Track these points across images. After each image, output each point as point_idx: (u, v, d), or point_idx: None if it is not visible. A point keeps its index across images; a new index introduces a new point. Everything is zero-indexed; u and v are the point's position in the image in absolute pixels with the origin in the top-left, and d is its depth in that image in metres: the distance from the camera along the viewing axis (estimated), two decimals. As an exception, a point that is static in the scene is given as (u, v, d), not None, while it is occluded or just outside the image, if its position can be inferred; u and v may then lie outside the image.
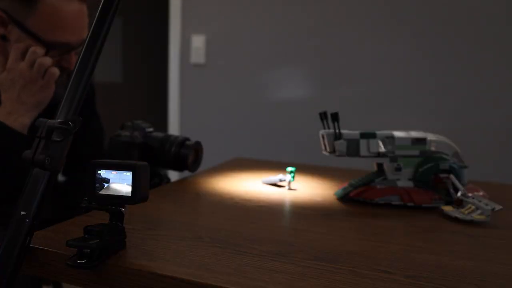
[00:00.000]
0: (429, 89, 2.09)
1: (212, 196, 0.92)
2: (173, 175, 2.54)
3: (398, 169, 0.89)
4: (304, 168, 1.23)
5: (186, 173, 1.08)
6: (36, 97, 0.93)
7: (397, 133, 0.90)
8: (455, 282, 0.54)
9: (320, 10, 2.22)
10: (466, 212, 0.79)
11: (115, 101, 3.47)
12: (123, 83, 3.82)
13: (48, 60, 0.93)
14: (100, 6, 0.61)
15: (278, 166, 1.26)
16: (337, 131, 0.87)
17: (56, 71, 0.93)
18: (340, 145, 0.87)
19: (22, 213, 0.54)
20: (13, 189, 0.65)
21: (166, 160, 1.01)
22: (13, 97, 0.92)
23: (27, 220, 0.53)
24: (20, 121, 0.91)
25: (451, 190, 0.87)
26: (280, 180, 1.01)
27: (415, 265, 0.59)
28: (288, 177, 1.00)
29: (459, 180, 0.88)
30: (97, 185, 0.55)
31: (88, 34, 0.60)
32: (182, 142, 1.05)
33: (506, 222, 0.80)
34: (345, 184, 0.94)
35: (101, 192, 0.55)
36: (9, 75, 0.92)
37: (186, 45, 2.48)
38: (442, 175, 0.88)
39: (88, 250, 0.53)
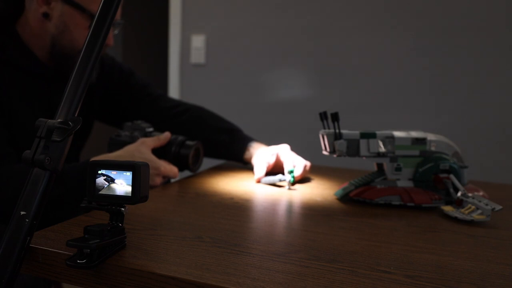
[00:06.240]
0: (429, 89, 2.09)
1: (212, 196, 0.91)
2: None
3: (398, 169, 0.89)
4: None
5: (186, 173, 1.08)
6: None
7: (397, 133, 0.90)
8: (455, 282, 0.54)
9: (320, 10, 2.22)
10: (466, 212, 0.79)
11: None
12: (123, 83, 3.81)
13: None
14: (100, 6, 0.61)
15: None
16: (337, 131, 0.87)
17: None
18: (340, 145, 0.86)
19: (22, 213, 0.53)
20: None
21: (166, 160, 1.01)
22: None
23: (27, 220, 0.53)
24: None
25: (451, 190, 0.87)
26: (280, 180, 1.00)
27: (415, 265, 0.59)
28: (288, 176, 0.99)
29: (459, 180, 0.88)
30: (97, 185, 0.55)
31: (88, 34, 0.60)
32: (182, 142, 1.05)
33: (506, 222, 0.80)
34: (345, 184, 0.94)
35: (101, 192, 0.55)
36: None
37: (186, 45, 2.48)
38: (442, 175, 0.88)
39: (88, 250, 0.53)
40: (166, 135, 1.03)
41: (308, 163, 1.08)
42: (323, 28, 2.22)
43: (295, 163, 1.05)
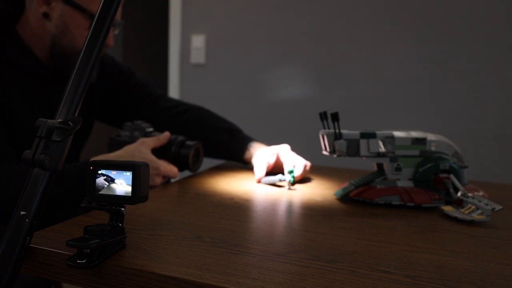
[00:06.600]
0: (429, 89, 2.09)
1: (212, 196, 0.91)
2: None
3: (398, 169, 0.89)
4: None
5: (186, 173, 1.08)
6: None
7: (397, 133, 0.90)
8: (455, 282, 0.54)
9: (321, 10, 2.22)
10: (466, 212, 0.79)
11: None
12: (123, 83, 3.81)
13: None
14: (100, 6, 0.61)
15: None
16: (337, 131, 0.87)
17: None
18: (340, 145, 0.86)
19: (22, 213, 0.53)
20: None
21: (166, 160, 1.01)
22: None
23: (27, 220, 0.53)
24: None
25: (451, 190, 0.87)
26: (280, 180, 1.00)
27: (415, 265, 0.59)
28: (288, 176, 0.99)
29: (459, 180, 0.88)
30: (97, 185, 0.55)
31: (88, 34, 0.60)
32: (182, 142, 1.05)
33: (506, 222, 0.80)
34: (345, 184, 0.94)
35: (101, 192, 0.55)
36: None
37: (186, 45, 2.48)
38: (442, 175, 0.88)
39: (88, 250, 0.53)
40: (166, 135, 1.03)
41: (308, 163, 1.08)
42: (323, 28, 2.22)
43: (295, 163, 1.05)
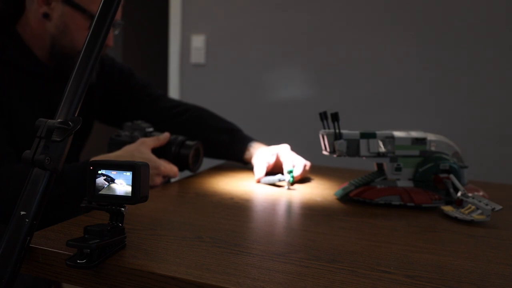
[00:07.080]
0: (429, 89, 2.09)
1: (212, 196, 0.91)
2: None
3: (398, 169, 0.89)
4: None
5: (186, 173, 1.08)
6: None
7: (397, 133, 0.90)
8: (455, 282, 0.54)
9: (320, 10, 2.22)
10: (466, 212, 0.79)
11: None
12: (123, 83, 3.81)
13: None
14: (100, 7, 0.61)
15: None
16: (337, 131, 0.87)
17: None
18: (340, 145, 0.86)
19: (22, 213, 0.53)
20: None
21: (166, 160, 1.01)
22: None
23: (27, 220, 0.53)
24: None
25: (451, 190, 0.87)
26: (279, 180, 1.00)
27: (415, 265, 0.59)
28: (287, 176, 0.99)
29: (459, 180, 0.88)
30: (97, 185, 0.55)
31: (88, 34, 0.60)
32: (182, 142, 1.05)
33: (506, 222, 0.80)
34: (345, 184, 0.94)
35: (101, 192, 0.55)
36: None
37: (186, 45, 2.48)
38: (442, 175, 0.88)
39: (88, 250, 0.53)
40: (166, 135, 1.03)
41: (308, 163, 1.08)
42: (323, 28, 2.22)
43: (295, 163, 1.05)
